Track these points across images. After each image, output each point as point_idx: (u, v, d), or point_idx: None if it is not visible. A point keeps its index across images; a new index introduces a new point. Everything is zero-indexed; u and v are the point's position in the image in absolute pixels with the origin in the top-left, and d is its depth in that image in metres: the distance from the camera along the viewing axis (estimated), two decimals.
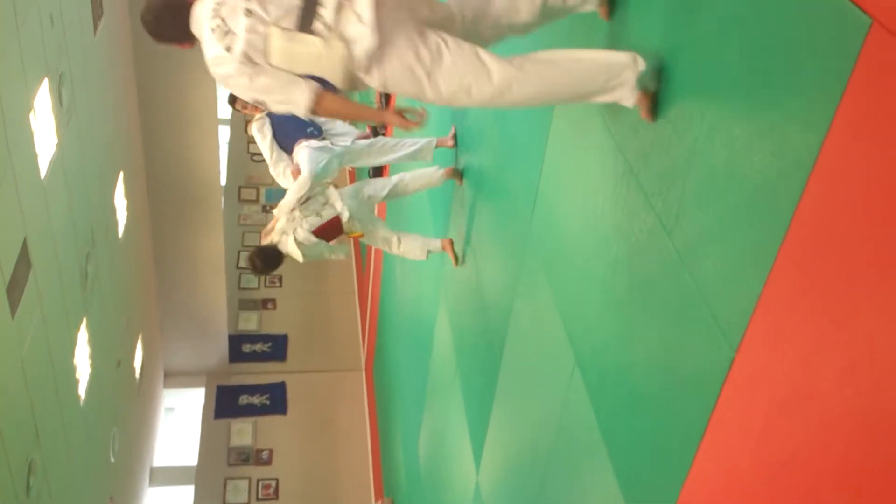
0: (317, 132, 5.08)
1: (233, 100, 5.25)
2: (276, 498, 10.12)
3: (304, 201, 4.83)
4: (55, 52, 5.68)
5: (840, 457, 1.57)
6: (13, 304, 4.86)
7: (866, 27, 1.47)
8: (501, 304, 4.07)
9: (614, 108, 2.51)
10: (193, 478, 10.36)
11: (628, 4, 2.42)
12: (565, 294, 3.15)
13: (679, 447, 2.19)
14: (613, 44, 2.48)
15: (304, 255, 4.74)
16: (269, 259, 4.75)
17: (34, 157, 5.28)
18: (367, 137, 5.50)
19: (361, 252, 10.99)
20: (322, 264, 5.04)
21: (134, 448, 9.25)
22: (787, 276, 1.72)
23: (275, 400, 10.98)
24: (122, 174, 8.13)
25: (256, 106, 5.05)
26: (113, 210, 7.86)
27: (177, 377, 11.52)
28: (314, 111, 2.31)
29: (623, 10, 2.44)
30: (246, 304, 11.98)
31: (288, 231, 4.71)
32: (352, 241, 5.24)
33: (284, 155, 5.16)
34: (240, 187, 13.42)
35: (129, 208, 8.48)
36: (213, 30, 2.28)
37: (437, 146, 5.29)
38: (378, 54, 2.22)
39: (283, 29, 2.21)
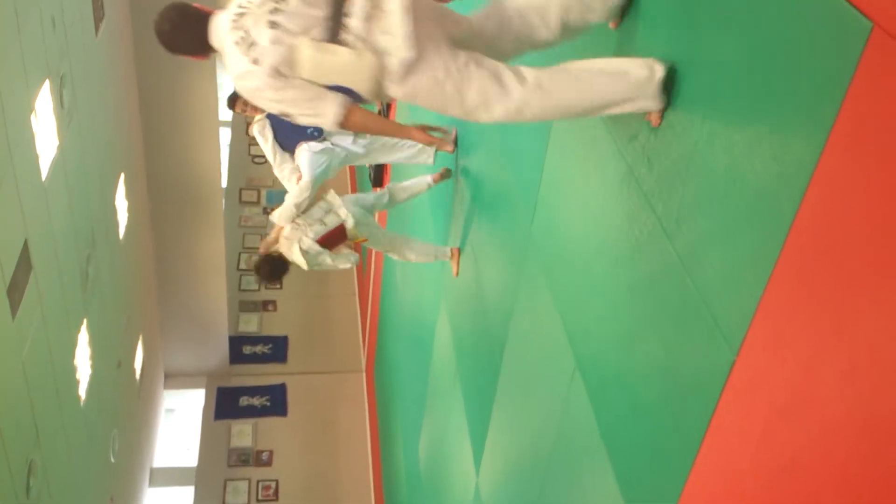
0: (317, 133, 5.08)
1: (232, 102, 5.25)
2: (276, 499, 10.11)
3: (305, 209, 4.83)
4: (56, 53, 5.69)
5: (840, 461, 1.57)
6: (14, 306, 4.86)
7: (867, 31, 1.47)
8: (502, 306, 4.07)
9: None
10: (193, 479, 10.36)
11: (633, 14, 2.41)
12: (566, 297, 3.15)
13: (679, 450, 2.18)
14: (620, 50, 2.48)
15: (308, 264, 4.75)
16: (275, 268, 4.78)
17: (35, 158, 5.28)
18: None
19: (362, 254, 10.99)
20: None
21: (134, 449, 9.25)
22: (788, 279, 1.72)
23: (275, 401, 10.98)
24: (122, 175, 8.14)
25: (256, 108, 5.07)
26: (114, 211, 7.86)
27: (177, 378, 11.52)
28: (342, 125, 2.27)
29: (628, 19, 2.44)
30: (246, 306, 11.99)
31: (293, 240, 4.72)
32: (360, 250, 5.27)
33: (288, 156, 5.16)
34: (241, 189, 13.44)
35: (129, 210, 8.48)
36: (236, 43, 2.22)
37: (437, 149, 5.29)
38: (409, 67, 2.20)
39: (313, 40, 2.18)
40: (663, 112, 2.25)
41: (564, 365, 3.10)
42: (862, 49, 1.48)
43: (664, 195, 2.25)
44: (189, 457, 11.11)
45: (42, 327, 5.44)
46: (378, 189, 5.67)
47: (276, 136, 5.19)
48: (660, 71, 2.18)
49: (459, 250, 5.14)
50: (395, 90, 2.25)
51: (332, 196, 4.94)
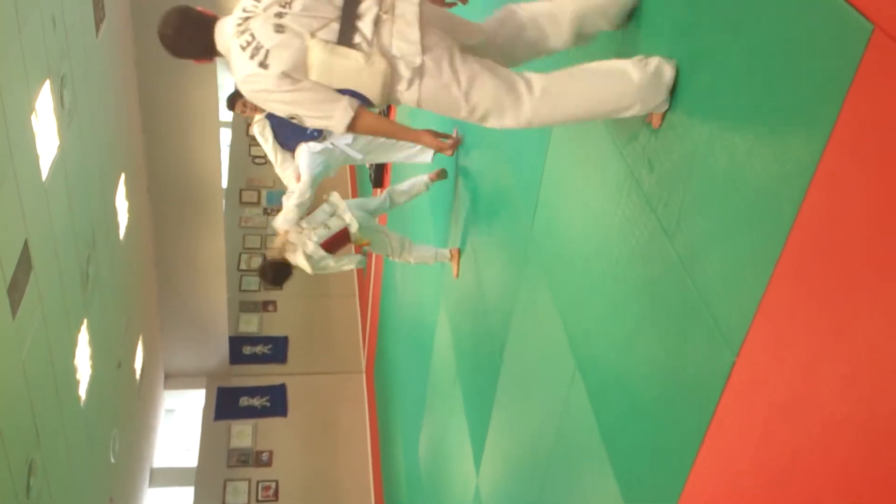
0: (316, 133, 5.09)
1: (231, 103, 5.26)
2: (276, 499, 10.11)
3: (308, 211, 4.84)
4: (57, 53, 5.69)
5: (840, 462, 1.57)
6: (14, 306, 4.86)
7: (868, 33, 1.47)
8: (502, 307, 4.07)
9: None
10: (193, 479, 10.36)
11: (635, 17, 2.42)
12: (566, 298, 3.15)
13: (679, 451, 2.19)
14: (622, 52, 2.48)
15: (313, 268, 4.77)
16: (279, 272, 4.81)
17: (35, 158, 5.28)
18: None
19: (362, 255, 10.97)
20: None
21: (134, 449, 9.25)
22: (789, 280, 1.72)
23: (275, 402, 10.98)
24: (123, 176, 8.14)
25: (256, 108, 5.08)
26: (114, 212, 7.86)
27: (177, 378, 11.52)
28: (351, 129, 2.27)
29: (632, 22, 2.44)
30: (246, 306, 11.98)
31: (297, 244, 4.73)
32: (366, 252, 5.31)
33: (290, 156, 5.17)
34: (241, 190, 13.43)
35: (130, 210, 8.48)
36: (242, 46, 2.22)
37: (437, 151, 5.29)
38: (420, 72, 2.20)
39: (323, 41, 2.17)
40: (665, 113, 2.25)
41: (564, 365, 3.10)
42: (863, 51, 1.48)
43: (664, 196, 2.25)
44: (189, 457, 11.11)
45: (42, 327, 5.44)
46: (379, 191, 5.69)
47: (275, 137, 5.20)
48: (669, 71, 2.17)
49: (460, 251, 5.15)
50: (404, 95, 2.25)
51: (336, 199, 4.95)
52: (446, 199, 5.52)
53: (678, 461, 2.19)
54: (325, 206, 4.91)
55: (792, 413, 1.71)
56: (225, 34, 2.29)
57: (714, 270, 2.01)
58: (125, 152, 8.31)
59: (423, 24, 2.21)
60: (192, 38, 2.35)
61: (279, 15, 2.20)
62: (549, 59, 2.54)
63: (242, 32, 2.23)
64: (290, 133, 5.09)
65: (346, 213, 4.85)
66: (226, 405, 10.97)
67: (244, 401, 11.00)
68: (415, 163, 5.56)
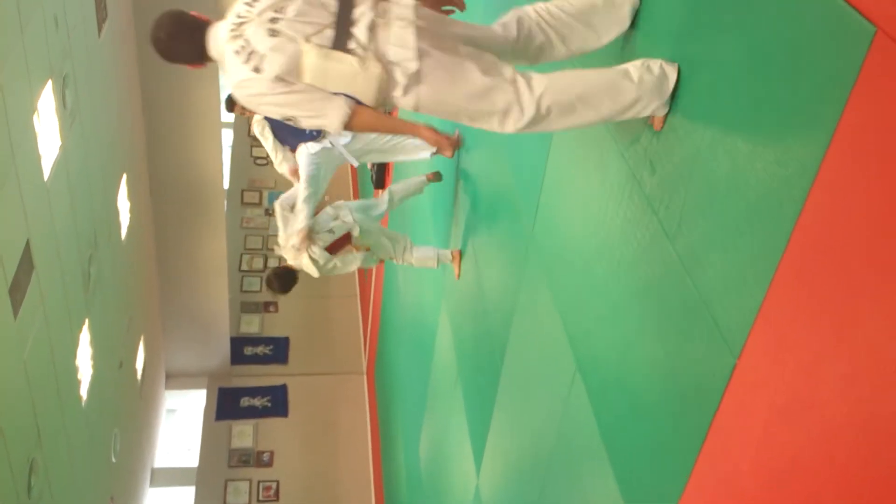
0: (315, 132, 5.09)
1: (230, 105, 5.26)
2: (277, 500, 10.11)
3: (316, 207, 4.87)
4: (59, 53, 5.69)
5: (841, 463, 1.57)
6: (16, 305, 4.87)
7: (870, 35, 1.47)
8: (503, 308, 4.07)
9: None
10: (194, 479, 10.36)
11: (638, 16, 2.42)
12: (567, 299, 3.15)
13: (680, 452, 2.19)
14: (624, 53, 2.48)
15: (319, 272, 4.79)
16: (286, 280, 4.84)
17: (38, 158, 5.28)
18: None
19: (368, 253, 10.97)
20: None
21: (135, 449, 9.25)
22: (790, 283, 1.72)
23: (276, 402, 10.98)
24: (125, 176, 8.15)
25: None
26: (116, 212, 7.86)
27: (178, 379, 11.53)
28: (348, 127, 2.25)
29: (636, 22, 2.44)
30: (248, 307, 11.99)
31: (302, 250, 4.75)
32: (377, 256, 5.37)
33: (290, 154, 5.19)
34: (242, 190, 13.44)
35: (132, 210, 8.48)
36: (236, 52, 2.21)
37: (437, 151, 5.30)
38: (417, 77, 2.19)
39: (318, 46, 2.17)
40: (667, 115, 2.25)
41: (565, 366, 3.10)
42: (865, 53, 1.48)
43: (666, 198, 2.25)
44: (190, 457, 11.11)
45: (44, 327, 5.44)
46: (380, 192, 5.71)
47: (275, 136, 5.21)
48: (672, 74, 2.17)
49: (461, 252, 5.16)
50: (401, 100, 2.24)
51: (338, 203, 4.98)
52: (447, 200, 5.52)
53: (679, 462, 2.19)
54: (328, 210, 4.93)
55: (792, 414, 1.72)
56: (218, 39, 2.28)
57: (715, 272, 2.01)
58: (127, 152, 8.32)
59: (420, 28, 2.20)
60: (186, 43, 2.34)
61: (273, 20, 2.19)
62: (550, 63, 2.54)
63: (236, 38, 2.22)
64: (288, 132, 5.10)
65: (348, 216, 4.87)
66: (227, 405, 10.98)
67: (245, 401, 11.00)
68: (415, 160, 5.58)
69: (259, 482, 10.23)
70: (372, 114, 2.28)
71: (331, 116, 2.23)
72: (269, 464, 10.42)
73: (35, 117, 5.19)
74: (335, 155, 5.17)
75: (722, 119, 1.99)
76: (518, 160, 3.85)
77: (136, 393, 9.18)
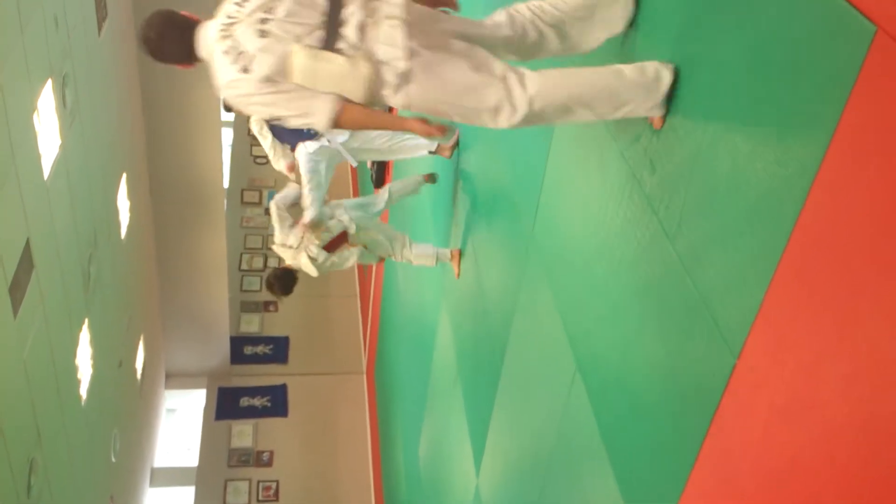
0: (313, 131, 5.10)
1: (228, 104, 5.26)
2: (277, 500, 10.11)
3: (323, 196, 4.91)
4: (59, 53, 5.69)
5: (841, 463, 1.57)
6: (15, 305, 4.87)
7: (871, 35, 1.47)
8: (503, 308, 4.07)
9: None
10: (194, 479, 10.37)
11: (638, 16, 2.42)
12: (567, 299, 3.15)
13: (680, 452, 2.18)
14: (624, 53, 2.48)
15: (318, 270, 4.80)
16: (285, 281, 4.87)
17: (37, 157, 5.28)
18: None
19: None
20: None
21: (135, 448, 9.25)
22: (790, 282, 1.72)
23: (276, 402, 10.98)
24: (125, 175, 8.15)
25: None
26: (116, 211, 7.86)
27: (178, 378, 11.53)
28: (336, 124, 2.24)
29: (633, 21, 2.44)
30: (248, 307, 11.99)
31: (300, 250, 4.77)
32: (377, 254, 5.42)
33: (288, 151, 5.20)
34: (242, 190, 13.44)
35: (131, 210, 8.48)
36: (225, 52, 2.20)
37: (436, 151, 5.32)
38: (407, 76, 2.18)
39: (307, 47, 2.16)
40: (666, 115, 2.25)
41: (565, 366, 3.10)
42: (865, 53, 1.48)
43: (666, 197, 2.25)
44: (190, 457, 11.11)
45: (44, 326, 5.44)
46: (378, 191, 5.72)
47: (273, 134, 5.22)
48: (667, 76, 2.18)
49: (461, 251, 5.16)
50: (391, 99, 2.23)
51: (333, 203, 5.00)
52: (447, 199, 5.52)
53: (679, 462, 2.19)
54: (324, 210, 4.93)
55: (792, 414, 1.71)
56: (208, 39, 2.27)
57: (715, 272, 2.01)
58: (127, 152, 8.32)
59: (409, 27, 2.19)
60: (175, 43, 2.33)
61: (263, 21, 2.19)
62: (544, 60, 2.54)
63: (225, 38, 2.21)
64: (286, 130, 5.10)
65: (343, 215, 4.88)
66: (226, 405, 10.98)
67: (245, 401, 11.00)
68: (415, 157, 5.59)
69: (259, 482, 10.23)
70: (360, 110, 2.26)
71: (318, 115, 2.22)
72: (269, 464, 10.42)
73: (35, 116, 5.19)
74: (334, 152, 5.18)
75: (722, 118, 1.99)
76: (518, 159, 3.85)
77: (135, 392, 9.18)
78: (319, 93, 2.20)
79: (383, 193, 5.48)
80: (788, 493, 1.73)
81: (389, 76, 2.18)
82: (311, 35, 2.17)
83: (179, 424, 12.05)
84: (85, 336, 6.66)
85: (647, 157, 2.37)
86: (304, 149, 5.05)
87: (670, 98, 2.21)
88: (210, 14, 2.33)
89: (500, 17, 2.41)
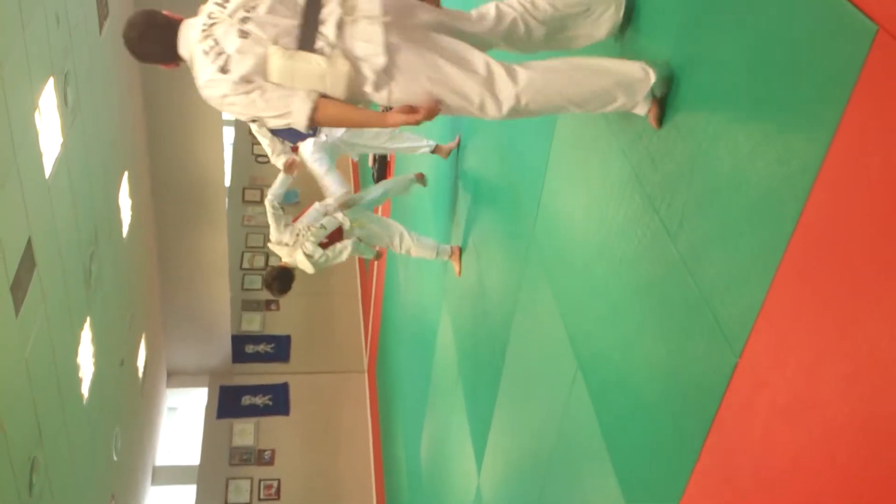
0: (312, 131, 5.12)
1: None
2: (278, 498, 10.12)
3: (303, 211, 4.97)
4: (60, 51, 5.69)
5: (842, 464, 1.57)
6: (17, 303, 4.87)
7: (872, 34, 1.46)
8: (504, 307, 4.07)
9: (619, 114, 2.50)
10: (195, 477, 10.38)
11: (638, 15, 2.41)
12: (568, 298, 3.15)
13: (681, 451, 2.18)
14: (625, 52, 2.48)
15: (315, 267, 4.83)
16: (283, 280, 4.91)
17: (39, 156, 5.29)
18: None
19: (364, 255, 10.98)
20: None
21: (136, 447, 9.26)
22: (791, 282, 1.72)
23: (277, 401, 10.99)
24: (126, 174, 8.15)
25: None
26: (117, 210, 7.87)
27: (180, 377, 11.54)
28: (315, 121, 2.22)
29: (633, 20, 2.44)
30: (249, 305, 12.00)
31: (296, 248, 4.81)
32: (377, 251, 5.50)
33: (288, 148, 5.22)
34: (244, 188, 13.44)
35: (133, 208, 8.49)
36: (205, 52, 2.20)
37: (434, 151, 5.34)
38: (388, 73, 2.18)
39: (284, 48, 2.16)
40: (663, 115, 2.25)
41: (566, 366, 3.09)
42: (867, 52, 1.48)
43: (667, 196, 2.25)
44: (191, 455, 11.12)
45: (45, 325, 5.45)
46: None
47: (272, 132, 5.23)
48: (653, 76, 2.19)
49: (461, 249, 5.16)
50: (374, 96, 2.23)
51: (328, 200, 5.03)
52: (448, 198, 5.52)
53: (680, 462, 2.18)
54: (317, 206, 4.97)
55: (794, 414, 1.71)
56: (189, 39, 2.26)
57: (716, 271, 2.00)
58: (128, 150, 8.32)
59: (387, 23, 2.19)
60: (156, 43, 2.32)
61: (244, 20, 2.18)
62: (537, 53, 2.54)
63: (206, 38, 2.21)
64: (285, 131, 5.12)
65: (337, 211, 4.92)
66: (228, 403, 10.99)
67: (246, 399, 11.01)
68: (416, 153, 5.60)
69: (260, 480, 10.24)
70: (337, 106, 2.23)
71: (295, 114, 2.20)
72: (271, 462, 10.43)
73: (36, 115, 5.19)
74: (333, 147, 5.22)
75: (723, 117, 1.98)
76: (519, 158, 3.85)
77: (137, 391, 9.19)
78: (296, 92, 2.19)
79: (378, 187, 5.53)
80: (789, 492, 1.73)
81: (368, 72, 2.18)
82: (290, 35, 2.18)
83: (181, 423, 12.07)
84: (86, 335, 6.67)
85: (649, 156, 2.36)
86: (307, 148, 5.10)
87: (665, 105, 2.22)
88: (196, 13, 2.32)
89: (487, 9, 2.41)
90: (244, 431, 10.71)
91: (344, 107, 2.24)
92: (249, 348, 11.56)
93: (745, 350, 1.88)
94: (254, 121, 2.29)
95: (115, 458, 7.95)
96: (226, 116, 9.73)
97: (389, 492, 8.99)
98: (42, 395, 5.43)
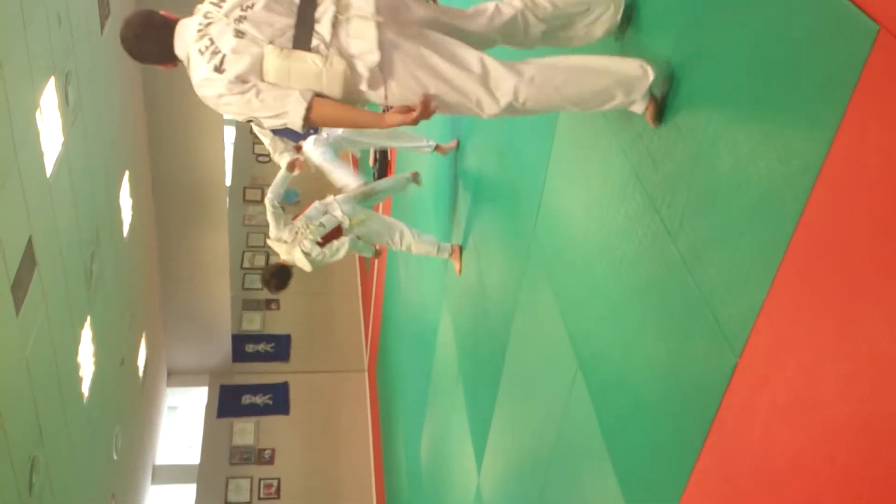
0: (312, 130, 5.14)
1: None
2: (278, 497, 10.13)
3: (303, 209, 4.99)
4: (62, 51, 5.70)
5: (842, 464, 1.57)
6: (18, 303, 4.87)
7: (874, 33, 1.46)
8: (504, 307, 4.07)
9: (619, 113, 2.51)
10: (195, 476, 10.38)
11: (638, 15, 2.41)
12: (568, 298, 3.15)
13: (681, 451, 2.18)
14: (624, 52, 2.48)
15: (312, 265, 4.86)
16: (280, 277, 4.94)
17: (40, 155, 5.29)
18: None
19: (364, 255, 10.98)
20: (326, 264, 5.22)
21: (136, 446, 9.26)
22: (792, 281, 1.72)
23: (277, 400, 11.00)
24: (127, 173, 8.15)
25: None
26: (118, 209, 7.87)
27: (180, 376, 11.54)
28: (310, 120, 2.21)
29: (633, 20, 2.44)
30: (249, 304, 12.00)
31: (294, 244, 4.83)
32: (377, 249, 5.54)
33: (291, 146, 5.23)
34: (244, 188, 13.45)
35: (134, 207, 8.49)
36: (201, 51, 2.20)
37: (434, 150, 5.36)
38: (383, 71, 2.18)
39: (279, 47, 2.16)
40: (661, 113, 2.25)
41: (566, 365, 3.09)
42: (868, 51, 1.48)
43: (668, 196, 2.25)
44: (191, 454, 11.13)
45: (46, 324, 5.45)
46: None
47: (273, 131, 5.24)
48: (651, 74, 2.19)
49: (461, 247, 5.16)
50: (370, 95, 2.23)
51: (328, 199, 5.05)
52: (449, 197, 5.52)
53: (680, 462, 2.19)
54: (316, 205, 4.99)
55: (794, 414, 1.71)
56: (186, 39, 2.26)
57: (717, 271, 2.00)
58: (129, 149, 8.32)
59: (381, 20, 2.19)
60: (153, 43, 2.31)
61: (240, 19, 2.18)
62: (537, 49, 2.54)
63: (202, 37, 2.21)
64: (285, 132, 5.14)
65: (336, 210, 4.94)
66: (228, 403, 10.99)
67: (246, 398, 11.01)
68: (416, 152, 5.61)
69: (260, 479, 10.25)
70: (333, 105, 2.22)
71: (291, 114, 2.20)
72: (271, 461, 10.43)
73: (38, 114, 5.19)
74: (334, 143, 5.24)
75: (724, 117, 1.98)
76: (520, 157, 3.85)
77: (137, 390, 9.19)
78: (291, 92, 2.18)
79: (373, 183, 5.56)
80: (789, 492, 1.73)
81: (363, 70, 2.18)
82: (285, 35, 2.17)
83: (181, 422, 12.07)
84: (87, 334, 6.67)
85: (650, 156, 2.36)
86: (309, 144, 5.12)
87: (664, 104, 2.22)
88: (193, 13, 2.32)
89: (485, 6, 2.41)
90: (244, 431, 10.72)
91: (339, 106, 2.24)
92: (249, 347, 11.57)
93: (745, 350, 1.88)
94: (250, 121, 2.28)
95: (115, 458, 7.95)
96: (226, 116, 9.73)
97: (389, 491, 8.99)
98: (42, 395, 5.43)
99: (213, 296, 10.56)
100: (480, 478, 4.64)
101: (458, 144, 5.29)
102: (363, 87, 2.20)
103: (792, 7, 1.71)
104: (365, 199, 5.19)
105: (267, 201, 4.94)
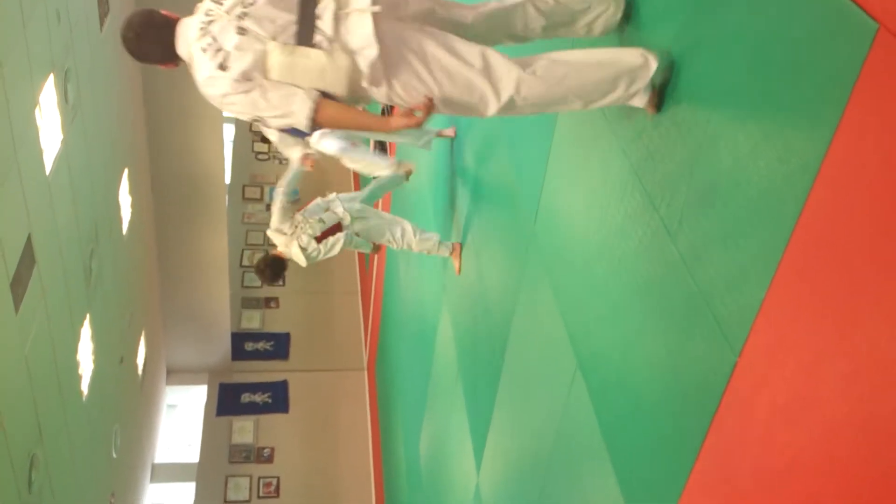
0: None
1: None
2: (277, 496, 10.13)
3: (301, 207, 4.99)
4: (61, 48, 5.69)
5: (841, 463, 1.57)
6: (17, 300, 4.87)
7: (873, 32, 1.46)
8: (504, 306, 4.07)
9: (619, 112, 2.51)
10: (195, 475, 10.38)
11: (638, 14, 2.41)
12: (567, 297, 3.15)
13: (680, 451, 2.18)
14: (624, 44, 2.48)
15: (307, 260, 4.88)
16: (275, 268, 4.96)
17: (39, 153, 5.28)
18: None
19: (364, 254, 10.97)
20: (326, 262, 5.21)
21: (136, 444, 9.26)
22: (791, 281, 1.72)
23: (277, 398, 11.00)
24: (126, 171, 8.15)
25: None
26: (117, 207, 7.87)
27: (179, 374, 11.54)
28: (316, 121, 2.20)
29: (633, 19, 2.44)
30: (249, 303, 12.00)
31: (293, 238, 4.84)
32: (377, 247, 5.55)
33: (299, 139, 5.22)
34: (244, 186, 13.44)
35: (133, 205, 8.49)
36: (203, 49, 2.19)
37: (437, 135, 5.37)
38: (384, 66, 2.17)
39: (283, 44, 2.15)
40: (658, 101, 2.25)
41: (566, 365, 3.09)
42: (868, 50, 1.47)
43: (667, 195, 2.25)
44: (190, 453, 11.13)
45: (45, 322, 5.45)
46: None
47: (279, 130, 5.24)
48: (654, 65, 2.18)
49: (461, 246, 5.16)
50: (372, 91, 2.22)
51: (330, 195, 5.05)
52: (448, 195, 5.52)
53: (679, 461, 2.18)
54: (318, 201, 5.00)
55: (793, 413, 1.71)
56: (187, 38, 2.25)
57: (716, 270, 2.00)
58: (128, 147, 8.32)
59: (378, 13, 2.18)
60: (154, 43, 2.30)
61: (242, 16, 2.17)
62: (535, 44, 2.53)
63: (204, 35, 2.20)
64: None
65: (338, 207, 4.95)
66: (227, 401, 10.99)
67: (246, 397, 11.01)
68: (416, 148, 5.61)
69: (259, 478, 10.25)
70: (338, 107, 2.22)
71: (297, 114, 2.19)
72: (270, 460, 10.43)
73: (37, 111, 5.19)
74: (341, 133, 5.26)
75: (723, 116, 1.98)
76: (519, 155, 3.85)
77: (136, 388, 9.19)
78: (297, 91, 2.17)
79: (374, 183, 5.56)
80: (789, 492, 1.73)
81: (364, 66, 2.17)
82: (288, 30, 2.17)
83: (180, 420, 12.07)
84: (86, 332, 6.66)
85: (649, 155, 2.36)
86: (319, 137, 5.09)
87: (664, 92, 2.21)
88: (190, 12, 2.31)
89: (491, 3, 2.40)
90: (243, 429, 10.72)
91: (345, 107, 2.23)
92: (249, 346, 11.57)
93: (744, 349, 1.88)
94: (256, 120, 2.27)
95: (114, 456, 7.95)
96: (226, 114, 9.72)
97: (389, 490, 8.99)
98: (42, 393, 5.43)
99: (212, 294, 10.56)
100: (479, 477, 4.64)
101: (455, 133, 5.29)
102: (365, 83, 2.20)
103: (791, 6, 1.71)
104: (369, 198, 5.19)
105: (277, 194, 4.95)
